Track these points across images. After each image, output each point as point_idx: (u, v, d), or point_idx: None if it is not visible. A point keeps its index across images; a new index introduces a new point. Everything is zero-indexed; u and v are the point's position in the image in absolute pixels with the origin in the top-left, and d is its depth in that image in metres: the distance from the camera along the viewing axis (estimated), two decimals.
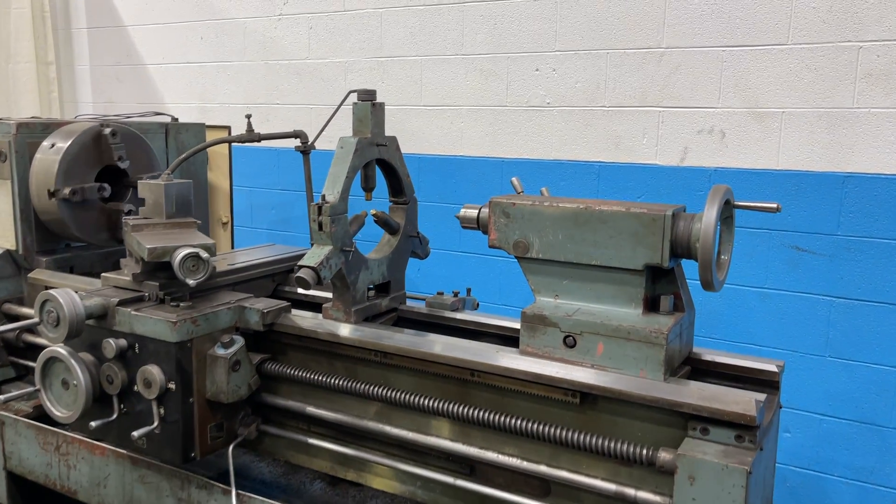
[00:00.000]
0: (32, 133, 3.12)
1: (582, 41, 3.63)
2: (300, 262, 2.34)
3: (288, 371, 2.51)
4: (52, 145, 3.03)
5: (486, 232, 2.30)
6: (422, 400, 2.25)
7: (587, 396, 2.04)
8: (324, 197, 2.38)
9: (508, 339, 2.56)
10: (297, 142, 3.25)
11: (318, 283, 2.34)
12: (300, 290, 2.97)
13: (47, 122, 3.23)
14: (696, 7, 3.35)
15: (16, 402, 3.12)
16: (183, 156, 2.88)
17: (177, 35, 4.99)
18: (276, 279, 3.04)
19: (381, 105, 2.54)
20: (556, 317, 2.10)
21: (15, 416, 3.04)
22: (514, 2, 3.78)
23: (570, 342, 2.09)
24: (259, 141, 3.03)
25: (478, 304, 2.88)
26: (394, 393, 2.31)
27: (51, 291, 2.34)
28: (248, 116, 3.03)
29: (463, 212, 2.36)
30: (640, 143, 3.55)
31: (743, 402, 1.82)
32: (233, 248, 4.43)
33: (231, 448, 2.53)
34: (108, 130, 3.03)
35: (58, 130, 3.12)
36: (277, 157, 4.70)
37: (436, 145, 4.12)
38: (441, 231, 4.06)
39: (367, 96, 2.49)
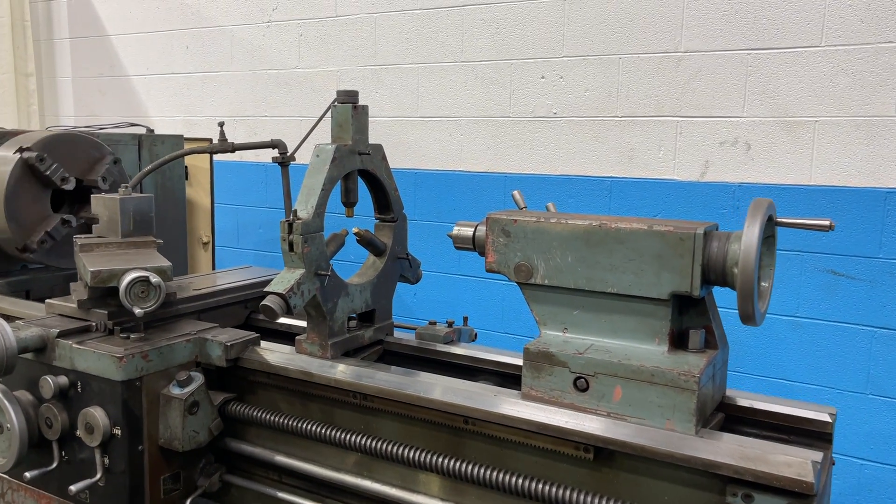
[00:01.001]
0: None
1: (591, 45, 3.33)
2: (267, 288, 2.02)
3: (255, 413, 2.17)
4: (9, 150, 2.72)
5: (482, 253, 1.98)
6: (408, 451, 1.92)
7: (602, 451, 1.70)
8: (295, 213, 2.06)
9: (509, 377, 2.23)
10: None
11: (288, 313, 2.01)
12: (280, 321, 2.65)
13: (2, 131, 2.93)
14: (718, 6, 3.04)
15: None
16: (147, 168, 2.58)
17: (161, 44, 4.72)
18: (248, 306, 2.72)
19: (364, 108, 2.23)
20: (564, 354, 1.77)
21: None
22: (517, 4, 3.49)
23: (581, 385, 1.75)
24: (233, 151, 2.72)
25: (476, 335, 2.55)
26: (375, 442, 1.98)
27: None
28: (221, 125, 2.73)
29: (456, 230, 2.04)
30: (656, 156, 3.23)
31: (796, 463, 1.48)
32: (213, 269, 4.12)
33: (189, 502, 2.19)
34: (32, 156, 2.65)
35: (11, 140, 2.82)
36: (265, 172, 4.40)
37: (433, 159, 3.81)
38: (438, 252, 3.74)
39: (348, 98, 2.18)
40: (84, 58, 5.13)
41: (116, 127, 3.66)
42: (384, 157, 2.35)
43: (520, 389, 1.86)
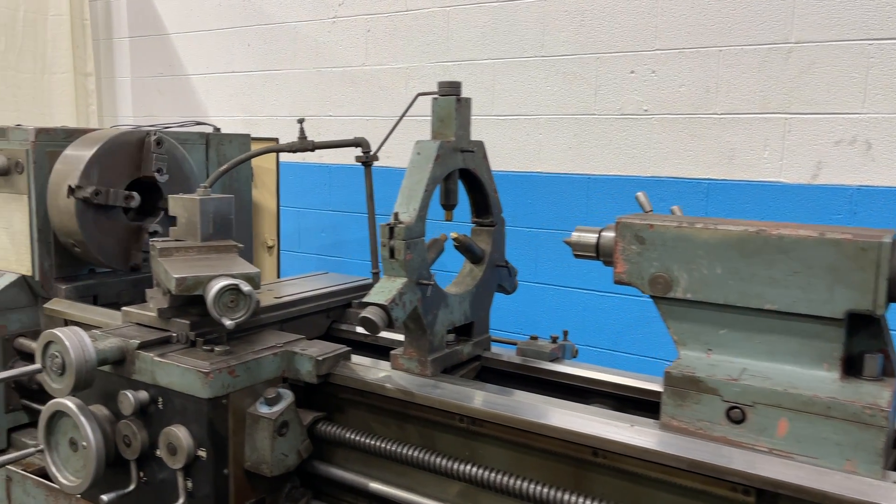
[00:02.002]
0: (53, 140, 2.69)
1: (688, 38, 3.09)
2: (366, 299, 1.83)
3: (347, 435, 1.98)
4: (79, 148, 2.59)
5: (608, 262, 1.76)
6: (523, 483, 1.71)
7: (766, 494, 1.47)
8: (396, 216, 1.87)
9: (627, 400, 2.01)
10: (355, 153, 2.76)
11: (389, 326, 1.82)
12: (363, 332, 2.47)
13: (70, 129, 2.80)
14: None
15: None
16: (224, 167, 2.42)
17: (222, 43, 4.60)
18: (330, 315, 2.54)
19: (467, 101, 2.03)
20: (715, 380, 1.54)
21: (23, 473, 2.57)
22: None
23: (736, 416, 1.52)
24: (313, 150, 2.55)
25: (577, 351, 2.33)
26: (483, 471, 1.77)
27: (55, 331, 1.87)
28: (301, 121, 2.56)
29: (576, 236, 1.82)
30: (761, 156, 2.98)
31: None
32: (279, 275, 3.97)
33: None
34: (153, 137, 2.57)
35: (84, 137, 2.69)
36: (329, 174, 4.24)
37: (509, 160, 3.60)
38: (515, 259, 3.53)
39: (451, 90, 1.98)
40: (143, 57, 5.04)
41: (182, 126, 3.53)
42: (485, 156, 2.16)
43: (645, 416, 1.64)
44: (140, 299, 2.90)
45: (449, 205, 2.08)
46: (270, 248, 3.93)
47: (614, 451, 1.61)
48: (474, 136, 1.95)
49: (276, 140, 4.01)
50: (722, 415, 1.54)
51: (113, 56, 5.17)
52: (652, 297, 1.69)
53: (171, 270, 1.92)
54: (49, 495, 2.48)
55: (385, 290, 1.84)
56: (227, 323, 1.84)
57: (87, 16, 4.96)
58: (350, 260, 4.22)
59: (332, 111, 4.18)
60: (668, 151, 3.18)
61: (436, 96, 2.02)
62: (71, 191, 2.51)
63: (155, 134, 2.68)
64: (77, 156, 2.59)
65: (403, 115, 2.61)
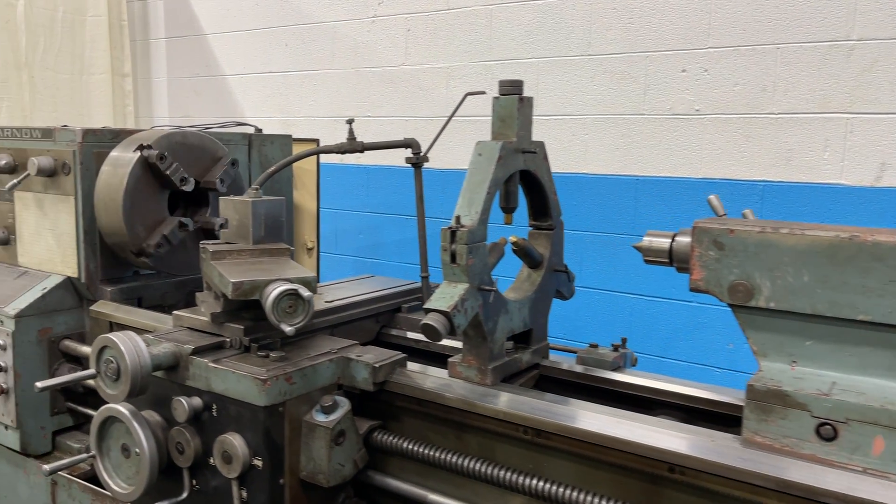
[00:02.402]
0: (100, 141, 2.66)
1: (743, 35, 2.99)
2: (428, 305, 1.77)
3: (403, 444, 1.92)
4: (127, 149, 2.57)
5: (682, 269, 1.69)
6: (590, 498, 1.64)
7: None
8: (458, 219, 1.81)
9: (695, 412, 1.93)
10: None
11: (451, 333, 1.76)
12: (414, 338, 2.42)
13: (116, 130, 2.78)
14: None
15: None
16: (273, 167, 2.37)
17: (259, 42, 4.58)
18: (380, 320, 2.49)
19: (529, 100, 1.97)
20: (803, 394, 1.46)
21: (69, 476, 2.55)
22: None
23: (827, 433, 1.44)
24: (362, 151, 2.49)
25: (636, 360, 2.25)
26: (549, 485, 1.70)
27: (111, 336, 1.83)
28: (350, 122, 2.50)
29: (647, 241, 1.75)
30: (820, 157, 2.88)
31: None
32: (318, 278, 3.93)
33: None
34: (152, 154, 2.49)
35: (130, 138, 2.67)
36: (367, 175, 4.20)
37: (554, 161, 3.46)
38: None
39: (513, 89, 1.92)
40: (179, 58, 5.03)
41: (223, 126, 3.49)
42: (546, 157, 2.09)
43: (716, 430, 1.57)
44: (184, 302, 2.90)
45: (509, 207, 2.01)
46: (310, 249, 3.89)
47: (693, 468, 1.53)
48: None
49: (317, 141, 3.97)
50: (811, 431, 1.46)
51: (149, 57, 5.18)
52: (731, 305, 1.61)
53: (227, 274, 1.88)
54: (95, 500, 2.46)
55: (446, 295, 1.78)
56: (287, 329, 1.79)
57: (125, 17, 4.96)
58: (388, 262, 4.17)
59: (371, 112, 4.14)
60: (720, 152, 3.08)
61: (496, 96, 1.95)
62: (140, 148, 2.48)
63: (149, 149, 2.59)
64: (125, 157, 2.57)
65: (452, 116, 2.55)
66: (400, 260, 4.09)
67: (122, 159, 2.56)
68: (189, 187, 2.60)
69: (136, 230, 2.56)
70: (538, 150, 2.02)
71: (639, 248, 1.77)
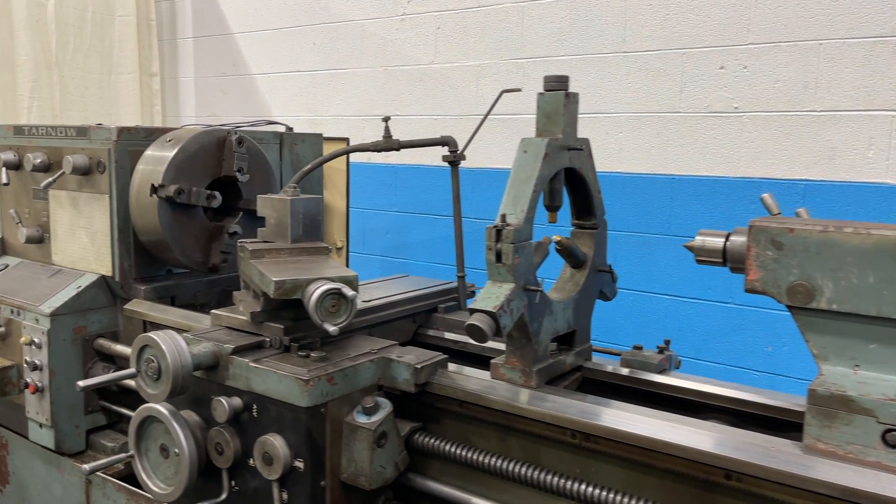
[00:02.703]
0: (134, 140, 2.65)
1: (784, 30, 2.93)
2: (473, 305, 1.73)
3: (445, 447, 1.89)
4: (162, 147, 2.56)
5: (737, 269, 1.64)
6: None
7: None
8: (503, 217, 1.77)
9: (744, 417, 1.88)
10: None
11: (497, 334, 1.72)
12: (452, 338, 2.39)
13: (151, 128, 2.77)
14: None
15: (107, 457, 2.62)
16: (309, 166, 2.36)
17: (287, 41, 4.57)
18: (416, 320, 2.45)
19: (575, 96, 1.92)
20: (869, 400, 1.41)
21: (103, 476, 2.54)
22: None
23: (893, 440, 1.39)
24: (398, 150, 2.47)
25: (680, 362, 2.20)
26: (597, 490, 1.66)
27: (152, 335, 1.81)
28: (386, 120, 2.48)
29: (700, 240, 1.70)
30: (865, 156, 2.81)
31: None
32: None
33: None
34: (234, 136, 2.52)
35: (164, 136, 2.65)
36: (394, 175, 4.17)
37: None
38: None
39: (559, 84, 1.88)
40: (206, 57, 5.04)
41: (253, 125, 3.48)
42: (590, 154, 2.04)
43: (793, 438, 1.51)
44: (215, 301, 2.88)
45: (553, 206, 1.97)
46: (339, 249, 3.87)
47: (752, 475, 1.48)
48: None
49: (347, 140, 3.95)
50: (877, 438, 1.41)
51: (177, 56, 5.19)
52: (789, 307, 1.56)
53: (268, 273, 1.85)
54: (130, 499, 2.45)
55: (492, 296, 1.74)
56: (331, 329, 1.76)
57: (153, 16, 4.98)
58: (415, 262, 4.13)
59: (399, 111, 4.11)
60: (760, 151, 3.02)
61: (541, 92, 1.91)
62: (154, 190, 2.47)
63: (235, 133, 2.64)
64: (159, 156, 2.56)
65: (489, 113, 2.52)
66: (428, 259, 4.06)
67: (158, 158, 2.55)
68: (217, 203, 2.58)
69: (193, 258, 2.58)
70: (584, 147, 1.98)
71: (690, 248, 1.72)
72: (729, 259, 1.66)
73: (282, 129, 3.38)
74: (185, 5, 5.08)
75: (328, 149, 3.49)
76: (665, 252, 3.29)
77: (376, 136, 4.17)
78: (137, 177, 2.58)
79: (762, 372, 3.11)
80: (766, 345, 3.09)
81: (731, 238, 1.66)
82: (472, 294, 2.62)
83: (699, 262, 1.72)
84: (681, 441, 1.56)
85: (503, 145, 3.71)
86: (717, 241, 1.67)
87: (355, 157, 3.97)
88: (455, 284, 2.59)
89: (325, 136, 3.96)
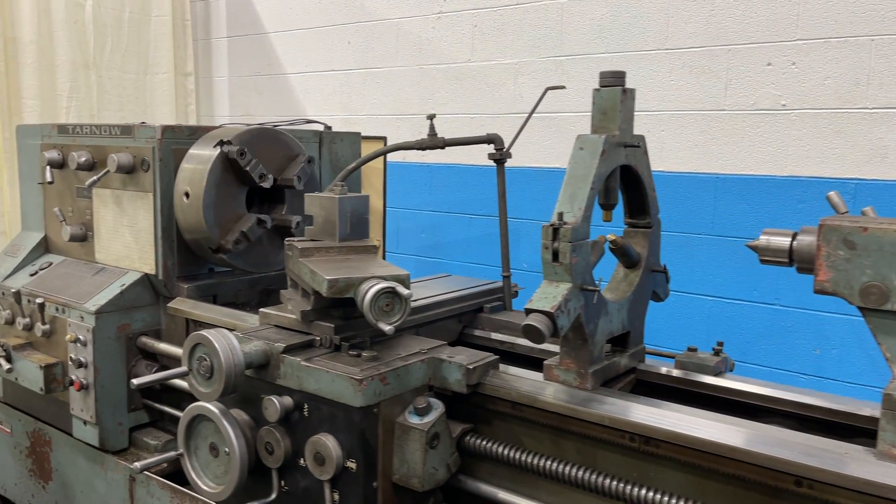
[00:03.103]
0: (178, 138, 2.66)
1: (835, 26, 2.86)
2: (530, 305, 1.70)
3: (498, 449, 1.86)
4: (205, 147, 2.56)
5: (804, 269, 1.59)
6: None
7: None
8: (561, 216, 1.74)
9: (806, 421, 1.82)
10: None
11: (554, 335, 1.69)
12: (499, 339, 2.36)
13: (194, 126, 2.78)
14: None
15: (150, 455, 2.63)
16: (354, 164, 2.35)
17: (322, 40, 4.56)
18: (462, 320, 2.43)
19: (632, 92, 1.89)
20: None
21: (148, 473, 2.54)
22: None
23: None
24: (443, 147, 2.44)
25: (733, 364, 2.15)
26: (658, 496, 1.62)
27: (204, 333, 1.80)
28: (431, 117, 2.45)
29: (765, 240, 1.65)
30: None
31: None
32: None
33: None
34: (232, 150, 2.46)
35: (208, 135, 2.66)
36: (429, 174, 4.15)
37: None
38: None
39: (615, 80, 1.84)
40: (241, 56, 5.06)
41: (291, 124, 3.48)
42: (646, 152, 2.00)
43: (866, 444, 1.46)
44: (256, 300, 2.88)
45: (609, 204, 1.93)
46: (376, 248, 3.85)
47: (825, 482, 1.43)
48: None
49: (384, 139, 3.94)
50: None
51: (211, 56, 5.21)
52: (861, 309, 1.51)
53: (322, 271, 1.84)
54: (174, 497, 2.45)
55: (549, 296, 1.71)
56: (386, 328, 1.74)
57: (189, 16, 5.00)
58: (450, 262, 4.11)
59: (435, 109, 4.08)
60: (808, 149, 2.95)
61: (597, 88, 1.87)
62: (221, 144, 2.46)
63: (229, 145, 2.58)
64: (205, 154, 2.56)
65: (533, 111, 2.49)
66: (464, 259, 4.03)
67: (202, 156, 2.55)
68: (268, 184, 2.58)
69: (215, 227, 2.55)
70: (640, 144, 1.94)
71: (754, 248, 1.67)
72: (796, 259, 1.61)
73: (320, 127, 3.37)
74: (219, 5, 5.10)
75: (366, 148, 3.47)
76: (708, 252, 3.23)
77: (412, 135, 4.17)
78: (182, 174, 2.58)
79: (809, 375, 3.04)
80: (814, 348, 3.02)
81: (799, 237, 1.61)
82: (516, 294, 2.59)
83: (763, 262, 1.68)
84: (749, 446, 1.51)
85: (541, 144, 3.67)
86: (784, 241, 1.62)
87: (389, 157, 3.96)
88: (499, 284, 2.56)
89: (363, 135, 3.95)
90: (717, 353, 2.02)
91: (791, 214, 3.02)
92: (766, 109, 3.04)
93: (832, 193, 1.71)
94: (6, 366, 2.79)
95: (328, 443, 1.78)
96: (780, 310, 3.09)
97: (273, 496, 1.92)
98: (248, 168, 2.49)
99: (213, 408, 1.90)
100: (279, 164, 2.69)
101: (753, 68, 3.06)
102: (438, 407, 1.83)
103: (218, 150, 2.48)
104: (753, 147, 3.09)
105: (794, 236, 1.62)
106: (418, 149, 2.45)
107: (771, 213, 3.08)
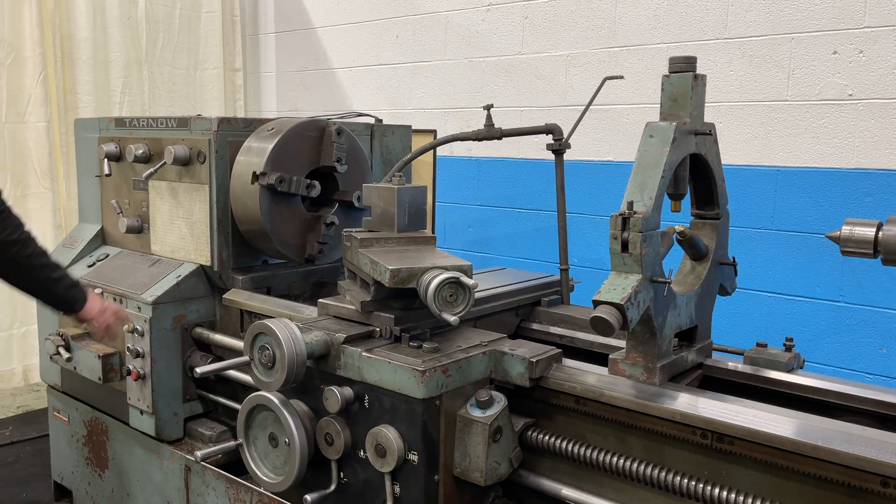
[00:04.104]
0: (234, 130, 2.67)
1: None
2: (598, 297, 1.65)
3: (561, 444, 1.82)
4: (262, 138, 2.56)
5: (890, 261, 1.52)
6: None
7: None
8: (630, 205, 1.68)
9: (886, 420, 1.74)
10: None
11: (623, 327, 1.64)
12: (557, 332, 2.32)
13: (249, 119, 2.79)
14: None
15: (205, 445, 2.65)
16: (409, 155, 2.33)
17: (370, 34, 4.56)
18: (519, 313, 2.39)
19: (703, 78, 1.82)
20: None
21: (203, 463, 2.56)
22: None
23: None
24: (500, 138, 2.41)
25: (804, 361, 2.07)
26: (732, 495, 1.57)
27: (267, 323, 1.80)
28: (488, 108, 2.42)
29: (847, 230, 1.58)
30: None
31: None
32: None
33: None
34: (333, 127, 2.52)
35: (263, 127, 2.66)
36: (477, 167, 4.11)
37: None
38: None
39: (686, 66, 1.78)
40: (288, 51, 5.08)
41: (342, 117, 3.48)
42: (716, 140, 1.94)
43: None
44: (306, 292, 2.88)
45: (677, 194, 1.87)
46: None
47: None
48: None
49: (434, 132, 3.92)
50: None
51: (259, 51, 5.25)
52: None
53: (384, 261, 1.82)
54: (230, 487, 2.46)
55: (618, 287, 1.66)
56: (451, 319, 1.71)
57: (237, 12, 5.05)
58: (497, 256, 4.06)
59: (485, 102, 4.03)
60: (877, 140, 2.84)
61: (667, 74, 1.82)
62: (255, 177, 2.47)
63: (334, 124, 2.63)
64: (259, 146, 2.56)
65: (591, 102, 2.44)
66: (511, 254, 3.98)
67: (258, 148, 2.56)
68: (316, 192, 2.58)
69: (291, 247, 2.61)
70: (711, 132, 1.88)
71: (835, 239, 1.60)
72: (882, 250, 1.54)
73: (371, 121, 3.36)
74: (267, 1, 5.14)
75: (417, 142, 3.45)
76: (768, 247, 3.14)
77: (460, 129, 4.12)
78: (238, 167, 2.59)
79: (875, 374, 2.93)
80: (881, 346, 2.91)
81: (885, 228, 1.54)
82: (573, 288, 2.54)
83: (844, 253, 1.60)
84: (832, 444, 1.45)
85: (592, 137, 3.61)
86: (868, 231, 1.55)
87: (438, 150, 3.93)
88: (555, 278, 2.51)
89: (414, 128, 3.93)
90: (788, 348, 1.95)
91: (858, 208, 2.92)
92: (832, 100, 2.94)
93: None
94: (65, 355, 2.83)
95: (389, 434, 1.76)
96: (844, 307, 2.99)
97: (332, 487, 1.90)
98: (292, 190, 2.50)
99: (273, 398, 1.90)
100: (314, 152, 2.65)
101: (818, 57, 2.96)
102: (501, 400, 1.80)
103: (257, 186, 2.47)
104: (817, 139, 2.99)
105: (879, 227, 1.55)
106: (475, 139, 2.42)
107: (835, 207, 2.97)
